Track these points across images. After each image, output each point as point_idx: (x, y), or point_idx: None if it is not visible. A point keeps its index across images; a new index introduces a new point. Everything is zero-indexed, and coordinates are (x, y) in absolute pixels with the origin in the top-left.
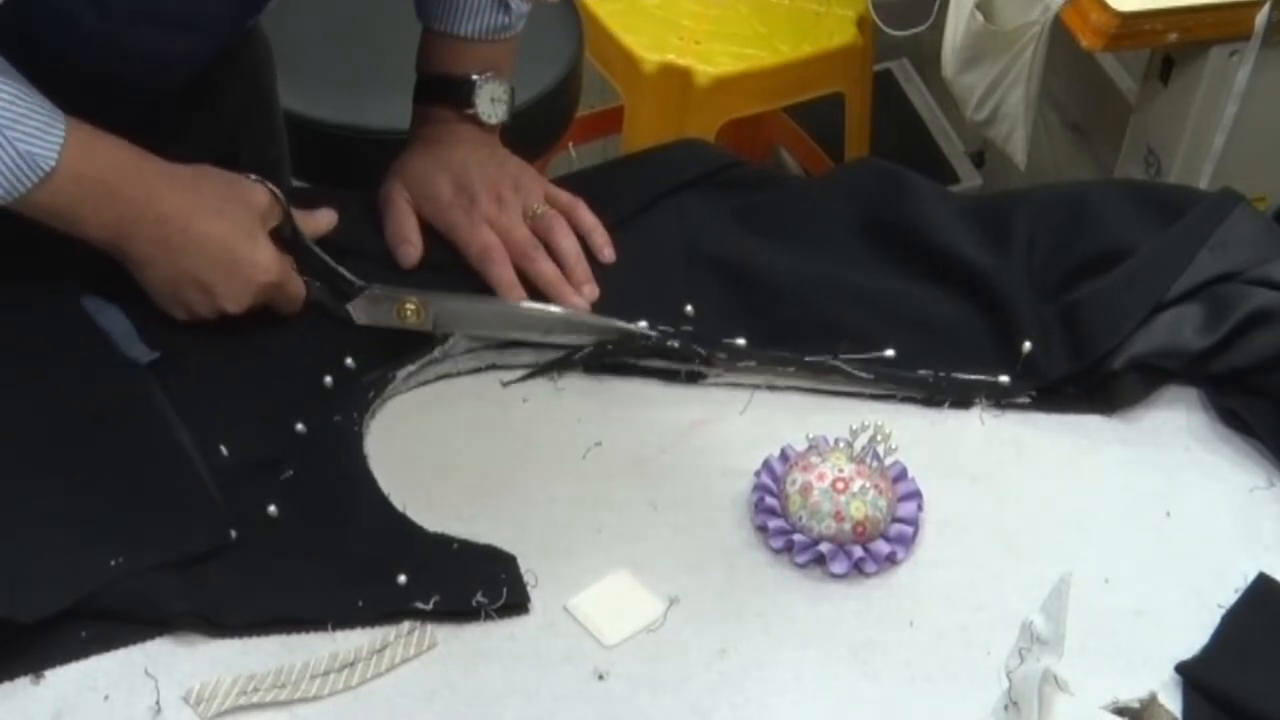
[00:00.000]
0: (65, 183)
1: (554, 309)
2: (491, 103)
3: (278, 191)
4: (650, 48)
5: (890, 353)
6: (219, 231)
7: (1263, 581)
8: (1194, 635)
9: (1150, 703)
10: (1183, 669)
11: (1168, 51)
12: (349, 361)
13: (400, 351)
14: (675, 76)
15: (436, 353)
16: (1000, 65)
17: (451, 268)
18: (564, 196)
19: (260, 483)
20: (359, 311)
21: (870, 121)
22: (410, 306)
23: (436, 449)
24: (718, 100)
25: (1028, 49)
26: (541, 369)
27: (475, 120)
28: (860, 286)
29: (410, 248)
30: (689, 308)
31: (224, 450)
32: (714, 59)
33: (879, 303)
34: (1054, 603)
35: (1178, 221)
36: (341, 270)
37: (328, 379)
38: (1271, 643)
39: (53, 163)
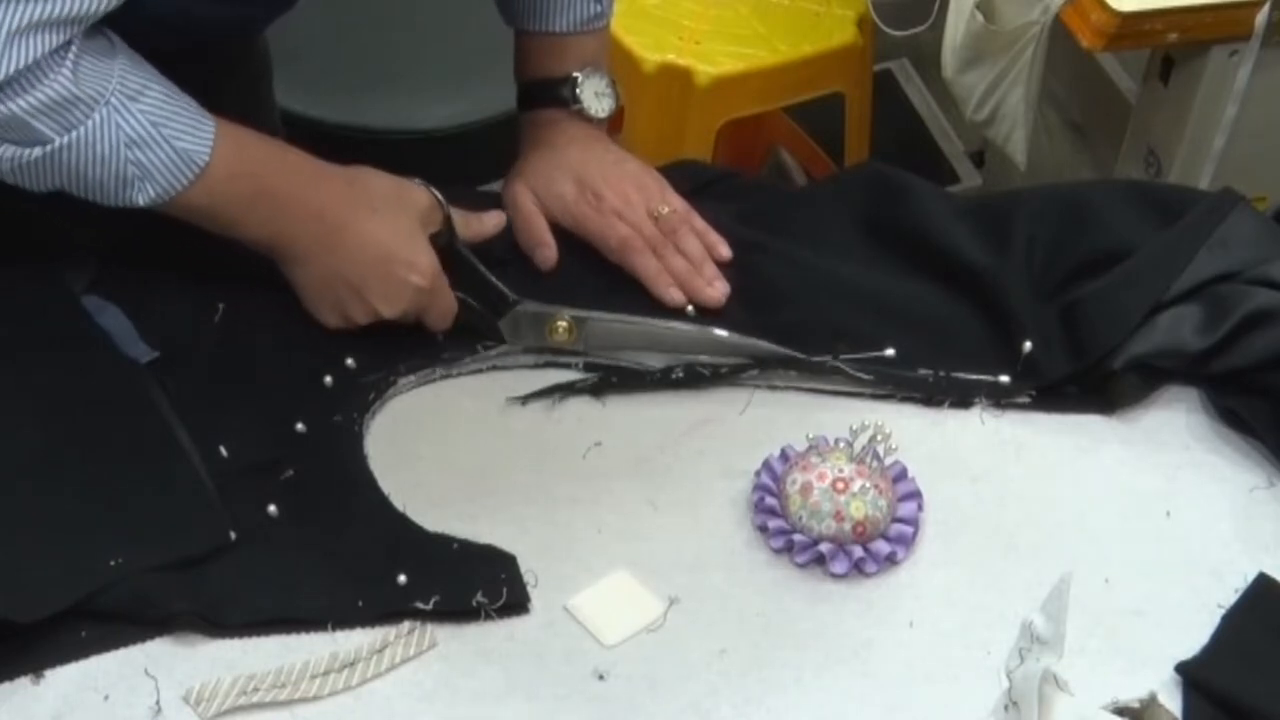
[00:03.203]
0: (219, 180)
1: (690, 329)
2: (596, 97)
3: (439, 196)
4: (650, 48)
5: (890, 352)
6: (376, 229)
7: (1263, 581)
8: (1194, 635)
9: (1150, 703)
10: (1183, 669)
11: (1168, 51)
12: (349, 361)
13: (401, 353)
14: (675, 76)
15: (439, 364)
16: (1000, 65)
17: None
18: (679, 200)
19: (260, 483)
20: (509, 327)
21: (870, 121)
22: (562, 324)
23: (436, 449)
24: (718, 100)
25: (1028, 49)
26: (545, 391)
27: (583, 116)
28: (860, 287)
29: (547, 250)
30: (690, 309)
31: (223, 450)
32: (714, 59)
33: (879, 303)
34: (1054, 603)
35: (1178, 221)
36: (497, 283)
37: (328, 379)
38: (1271, 643)
39: (206, 158)
